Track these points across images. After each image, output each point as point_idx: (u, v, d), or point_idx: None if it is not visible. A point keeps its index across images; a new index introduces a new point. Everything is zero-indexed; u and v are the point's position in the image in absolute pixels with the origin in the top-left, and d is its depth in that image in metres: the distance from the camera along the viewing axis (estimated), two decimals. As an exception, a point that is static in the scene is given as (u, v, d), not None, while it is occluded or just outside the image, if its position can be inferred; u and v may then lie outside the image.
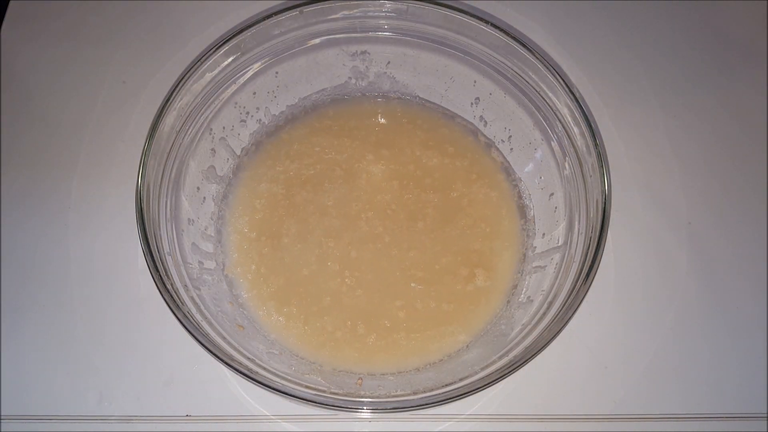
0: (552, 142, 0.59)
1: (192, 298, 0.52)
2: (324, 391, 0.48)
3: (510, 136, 0.64)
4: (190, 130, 0.58)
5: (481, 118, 0.66)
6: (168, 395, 0.57)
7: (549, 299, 0.53)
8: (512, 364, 0.48)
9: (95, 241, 0.63)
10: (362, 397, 0.49)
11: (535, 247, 0.60)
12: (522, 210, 0.63)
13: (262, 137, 0.66)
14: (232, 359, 0.48)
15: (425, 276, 0.59)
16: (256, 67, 0.61)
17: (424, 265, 0.60)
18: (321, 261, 0.60)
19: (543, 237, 0.60)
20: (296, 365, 0.55)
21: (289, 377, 0.49)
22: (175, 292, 0.50)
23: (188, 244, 0.57)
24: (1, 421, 0.56)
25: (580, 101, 0.55)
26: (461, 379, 0.49)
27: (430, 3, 0.58)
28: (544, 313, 0.52)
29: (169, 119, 0.55)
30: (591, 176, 0.54)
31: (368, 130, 0.66)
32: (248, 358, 0.50)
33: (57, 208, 0.64)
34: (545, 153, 0.60)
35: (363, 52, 0.64)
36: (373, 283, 0.59)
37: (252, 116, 0.65)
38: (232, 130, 0.63)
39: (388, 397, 0.50)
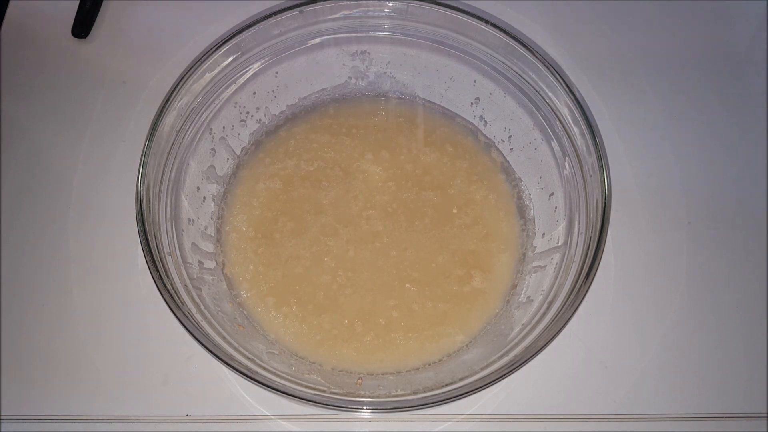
0: (552, 142, 0.59)
1: (192, 298, 0.52)
2: (324, 391, 0.48)
3: (510, 136, 0.64)
4: (190, 130, 0.58)
5: (481, 117, 0.66)
6: (168, 395, 0.57)
7: (549, 299, 0.53)
8: (512, 364, 0.48)
9: (95, 241, 0.63)
10: (362, 396, 0.49)
11: (535, 247, 0.60)
12: (522, 210, 0.63)
13: (262, 136, 0.66)
14: (232, 359, 0.48)
15: (421, 277, 0.59)
16: (256, 66, 0.61)
17: (421, 266, 0.60)
18: (317, 258, 0.60)
19: (543, 237, 0.60)
20: (296, 365, 0.55)
21: (289, 377, 0.49)
22: (175, 292, 0.50)
23: (188, 244, 0.57)
24: (1, 421, 0.56)
25: (580, 101, 0.55)
26: (461, 379, 0.49)
27: (430, 3, 0.58)
28: (544, 313, 0.52)
29: (169, 119, 0.55)
30: (591, 176, 0.54)
31: (367, 129, 0.66)
32: (248, 358, 0.50)
33: (57, 208, 0.64)
34: (545, 153, 0.60)
35: (363, 52, 0.64)
36: (366, 282, 0.59)
37: (252, 116, 0.65)
38: (232, 129, 0.63)
39: (388, 396, 0.50)
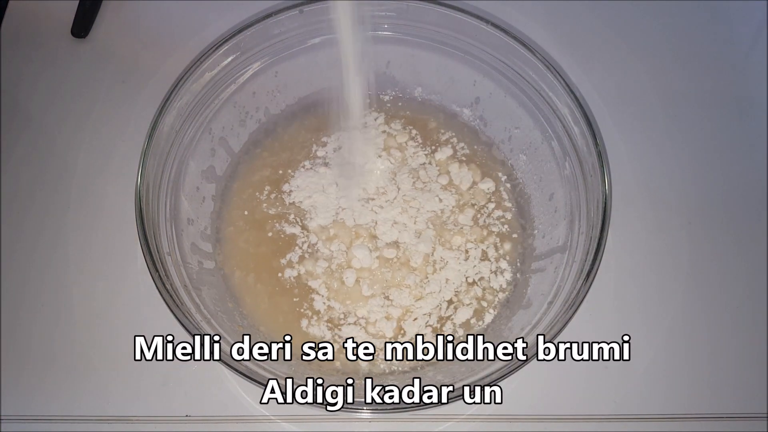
0: (552, 142, 0.59)
1: (192, 299, 0.52)
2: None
3: (510, 136, 0.64)
4: (189, 130, 0.58)
5: (481, 118, 0.66)
6: (167, 395, 0.57)
7: (549, 299, 0.53)
8: (512, 364, 0.48)
9: (94, 241, 0.63)
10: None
11: (535, 248, 0.60)
12: (522, 211, 0.63)
13: (260, 135, 0.65)
14: (232, 359, 0.48)
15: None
16: (256, 66, 0.61)
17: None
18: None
19: (543, 238, 0.60)
20: (295, 365, 0.55)
21: (289, 377, 0.49)
22: (175, 292, 0.50)
23: (188, 244, 0.57)
24: (1, 421, 0.56)
25: (580, 101, 0.55)
26: (461, 380, 0.49)
27: (430, 3, 0.58)
28: (544, 314, 0.52)
29: (169, 119, 0.55)
30: (591, 176, 0.54)
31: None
32: (248, 359, 0.49)
33: (56, 208, 0.64)
34: (546, 153, 0.60)
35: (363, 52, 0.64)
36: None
37: (251, 116, 0.65)
38: (231, 130, 0.63)
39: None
